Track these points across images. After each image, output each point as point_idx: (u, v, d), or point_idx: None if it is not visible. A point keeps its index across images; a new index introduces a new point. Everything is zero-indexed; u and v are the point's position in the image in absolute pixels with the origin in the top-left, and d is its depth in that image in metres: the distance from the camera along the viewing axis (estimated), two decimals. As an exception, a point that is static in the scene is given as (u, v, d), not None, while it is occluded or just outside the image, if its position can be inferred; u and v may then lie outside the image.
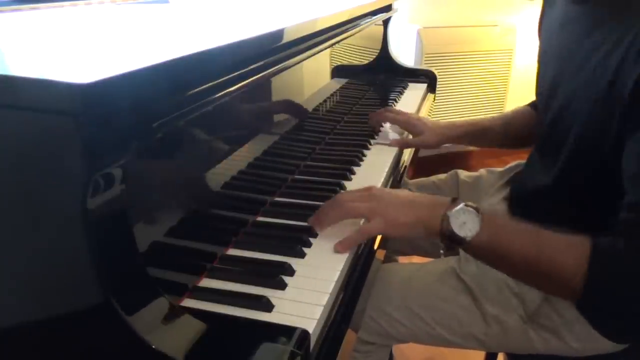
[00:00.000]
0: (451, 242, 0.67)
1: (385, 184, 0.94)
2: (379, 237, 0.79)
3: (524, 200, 0.93)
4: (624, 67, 0.67)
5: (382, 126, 1.19)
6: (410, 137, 1.15)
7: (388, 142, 1.11)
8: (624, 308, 0.65)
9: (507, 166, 1.11)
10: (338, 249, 0.69)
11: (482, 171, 1.16)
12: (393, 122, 1.16)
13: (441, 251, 0.70)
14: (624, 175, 0.67)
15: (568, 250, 0.64)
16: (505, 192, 1.03)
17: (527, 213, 0.90)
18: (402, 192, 0.75)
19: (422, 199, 0.72)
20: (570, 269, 0.63)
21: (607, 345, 0.81)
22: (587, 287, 0.62)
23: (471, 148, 2.80)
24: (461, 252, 0.93)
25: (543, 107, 0.89)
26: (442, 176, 1.20)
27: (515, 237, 0.67)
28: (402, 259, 1.29)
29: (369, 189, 0.74)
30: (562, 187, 0.82)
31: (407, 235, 0.71)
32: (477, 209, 0.67)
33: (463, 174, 1.18)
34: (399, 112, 1.18)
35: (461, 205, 0.67)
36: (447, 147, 2.69)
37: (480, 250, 0.68)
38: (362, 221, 0.74)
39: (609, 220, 0.66)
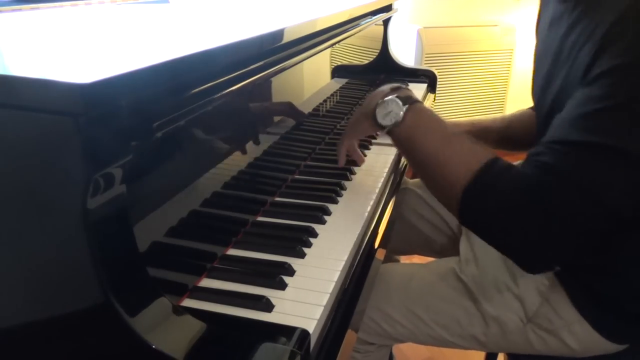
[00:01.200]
0: (376, 127, 0.76)
1: (385, 184, 0.94)
2: (379, 237, 0.79)
3: None
4: (596, 62, 0.66)
5: None
6: None
7: (389, 142, 1.10)
8: (493, 217, 0.64)
9: None
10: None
11: None
12: None
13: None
14: (563, 113, 0.67)
15: (470, 152, 0.67)
16: None
17: None
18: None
19: (372, 94, 0.79)
20: (462, 170, 0.65)
21: (606, 346, 0.81)
22: (468, 188, 0.64)
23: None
24: (461, 252, 0.94)
25: (537, 108, 0.89)
26: None
27: (430, 131, 0.71)
28: (403, 259, 1.29)
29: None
30: None
31: (359, 130, 0.84)
32: (405, 100, 0.72)
33: None
34: None
35: (392, 95, 0.73)
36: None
37: (397, 138, 0.74)
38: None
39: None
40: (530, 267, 0.68)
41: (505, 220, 0.63)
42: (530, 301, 0.82)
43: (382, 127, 0.74)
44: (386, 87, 0.78)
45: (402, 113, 0.71)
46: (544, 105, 0.84)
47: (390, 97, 0.73)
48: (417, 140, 0.71)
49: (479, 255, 0.90)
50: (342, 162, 0.93)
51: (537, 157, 0.64)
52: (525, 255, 0.65)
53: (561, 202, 0.60)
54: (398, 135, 0.73)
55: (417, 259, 1.25)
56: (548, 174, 0.62)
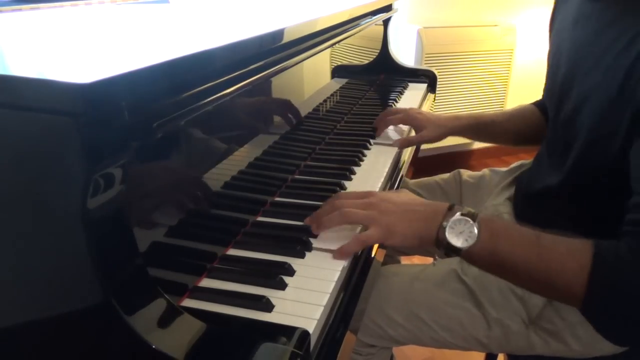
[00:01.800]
0: (448, 252, 0.66)
1: (385, 184, 0.94)
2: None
3: (530, 200, 0.93)
4: (637, 66, 0.66)
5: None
6: (413, 133, 1.14)
7: (390, 142, 1.11)
8: (628, 312, 0.63)
9: (511, 166, 1.11)
10: (336, 257, 0.68)
11: (485, 171, 1.16)
12: (396, 123, 1.16)
13: (436, 257, 0.69)
14: (631, 175, 0.66)
15: (569, 254, 0.63)
16: (509, 192, 1.02)
17: (533, 213, 0.90)
18: (401, 198, 0.73)
19: (419, 207, 0.71)
20: (572, 274, 0.62)
21: (607, 348, 0.80)
22: (590, 292, 0.61)
23: (472, 147, 2.81)
24: None
25: (555, 107, 0.88)
26: (444, 176, 1.20)
27: (514, 243, 0.65)
28: (404, 259, 1.29)
29: (368, 195, 0.73)
30: (570, 187, 0.82)
31: (404, 244, 0.70)
32: (473, 216, 0.65)
33: (466, 173, 1.18)
34: (398, 111, 1.18)
35: (457, 214, 0.66)
36: (448, 147, 2.70)
37: (479, 259, 0.67)
38: (359, 227, 0.74)
39: (616, 221, 0.65)
40: None
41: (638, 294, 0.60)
42: (533, 303, 0.82)
43: (452, 250, 0.65)
44: (431, 209, 0.69)
45: (476, 230, 0.64)
46: (564, 106, 0.83)
47: (454, 217, 0.65)
48: (502, 254, 0.65)
49: None
50: (312, 225, 0.75)
51: (637, 227, 0.61)
52: None
53: None
54: (477, 254, 0.65)
55: (417, 259, 1.25)
56: None
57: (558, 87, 0.86)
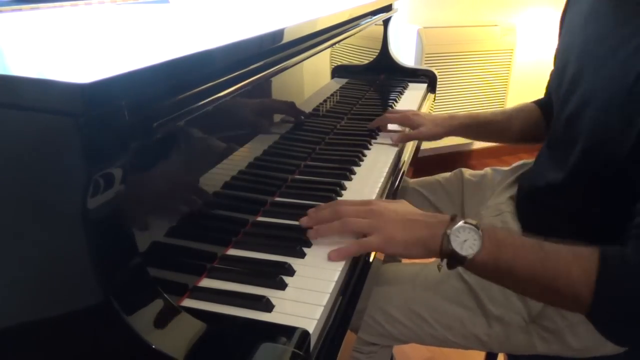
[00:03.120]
0: (452, 261, 0.66)
1: (385, 184, 0.94)
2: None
3: (534, 197, 0.92)
4: None
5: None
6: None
7: (389, 142, 1.11)
8: (635, 317, 0.63)
9: (513, 165, 1.11)
10: (332, 257, 0.67)
11: (488, 170, 1.16)
12: (392, 122, 1.16)
13: (439, 265, 0.68)
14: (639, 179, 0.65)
15: (575, 261, 0.63)
16: (511, 191, 1.02)
17: (535, 211, 0.90)
18: (402, 208, 0.73)
19: (421, 217, 0.70)
20: (578, 281, 0.61)
21: (607, 348, 0.80)
22: (596, 298, 0.61)
23: (471, 147, 2.81)
24: None
25: (561, 103, 0.87)
26: (446, 175, 1.20)
27: (517, 251, 0.65)
28: (404, 260, 1.29)
29: (368, 203, 0.73)
30: (573, 185, 0.81)
31: (405, 253, 0.69)
32: (477, 226, 0.65)
33: (468, 172, 1.18)
34: (395, 112, 1.18)
35: (461, 223, 0.66)
36: (448, 147, 2.70)
37: (483, 268, 0.66)
38: None
39: (618, 221, 0.65)
40: None
41: None
42: (534, 302, 0.82)
43: (456, 258, 0.65)
44: (434, 219, 0.69)
45: (479, 239, 0.64)
46: (570, 102, 0.82)
47: (458, 225, 0.66)
48: (506, 262, 0.65)
49: None
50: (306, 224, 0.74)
51: None
52: None
53: None
54: (482, 263, 0.65)
55: (418, 260, 1.24)
56: None
57: (566, 83, 0.86)
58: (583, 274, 0.61)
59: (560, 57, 0.94)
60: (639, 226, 0.62)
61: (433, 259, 0.99)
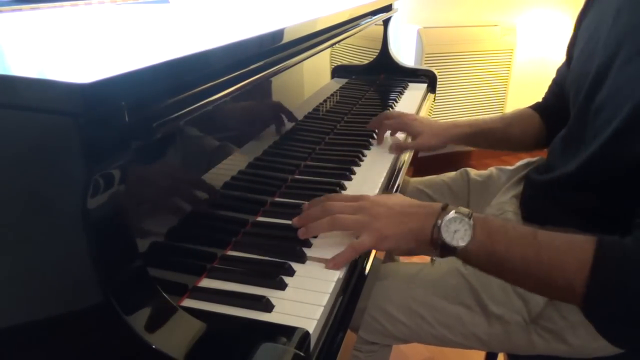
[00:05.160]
0: (444, 252, 0.65)
1: (385, 184, 0.94)
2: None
3: (544, 191, 0.90)
4: None
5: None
6: (410, 139, 1.14)
7: (387, 150, 1.09)
8: (631, 311, 0.61)
9: (517, 164, 1.10)
10: (329, 266, 0.66)
11: (492, 169, 1.16)
12: (389, 129, 1.14)
13: (433, 258, 0.66)
14: None
15: (569, 250, 0.62)
16: (515, 190, 1.02)
17: (544, 206, 0.89)
18: (392, 200, 0.71)
19: (412, 209, 0.69)
20: (572, 271, 0.60)
21: (607, 349, 0.80)
22: (590, 289, 0.59)
23: (470, 148, 2.81)
24: None
25: (584, 96, 0.85)
26: (451, 174, 1.20)
27: (511, 240, 0.64)
28: (403, 259, 1.29)
29: (359, 199, 0.72)
30: (589, 178, 0.80)
31: (398, 248, 0.68)
32: (469, 215, 0.65)
33: (473, 172, 1.17)
34: (392, 116, 1.15)
35: (452, 213, 0.65)
36: (447, 147, 2.69)
37: (476, 258, 0.66)
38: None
39: (622, 217, 0.65)
40: None
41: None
42: (534, 302, 0.82)
43: (447, 249, 0.65)
44: (424, 210, 0.68)
45: (471, 229, 0.64)
46: (597, 94, 0.81)
47: (449, 215, 0.65)
48: (499, 252, 0.64)
49: None
50: (299, 225, 0.73)
51: None
52: None
53: None
54: (474, 253, 0.65)
55: (417, 260, 1.24)
56: None
57: (592, 76, 0.84)
58: (577, 264, 0.60)
59: (582, 51, 0.91)
60: None
61: (430, 260, 1.00)
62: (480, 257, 0.65)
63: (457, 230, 0.64)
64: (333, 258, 0.67)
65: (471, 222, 0.64)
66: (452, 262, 0.91)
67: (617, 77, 0.77)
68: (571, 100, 0.92)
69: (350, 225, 0.69)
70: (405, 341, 0.92)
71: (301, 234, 0.70)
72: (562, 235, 0.63)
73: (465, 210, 0.66)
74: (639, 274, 0.58)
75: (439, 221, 0.65)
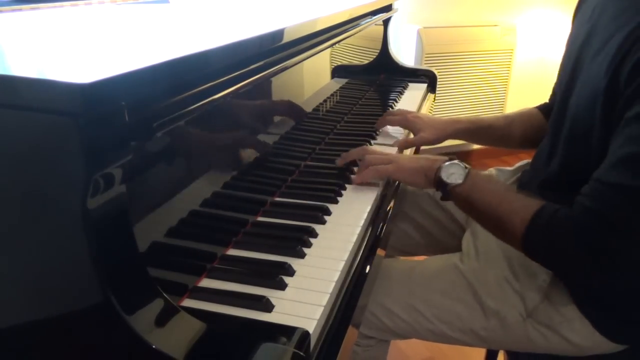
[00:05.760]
0: (439, 187, 0.82)
1: (386, 184, 0.94)
2: (379, 238, 0.79)
3: (533, 193, 0.92)
4: (631, 51, 0.67)
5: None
6: (411, 135, 1.15)
7: (390, 143, 1.11)
8: (555, 264, 0.76)
9: (517, 165, 1.11)
10: (356, 181, 0.89)
11: (492, 170, 1.16)
12: (392, 124, 1.16)
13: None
14: (609, 152, 0.69)
15: (519, 210, 0.74)
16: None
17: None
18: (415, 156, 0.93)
19: (426, 156, 0.89)
20: (513, 227, 0.74)
21: (607, 345, 0.81)
22: (524, 243, 0.73)
23: (470, 148, 2.81)
24: (463, 247, 0.94)
25: (562, 96, 0.88)
26: None
27: (484, 194, 0.79)
28: (402, 258, 1.29)
29: (389, 154, 0.93)
30: (567, 177, 0.83)
31: (411, 179, 0.88)
32: (466, 167, 0.81)
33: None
34: (396, 113, 1.18)
35: (455, 160, 0.82)
36: (447, 147, 2.69)
37: (458, 198, 0.82)
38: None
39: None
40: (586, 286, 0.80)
41: (560, 259, 0.73)
42: (530, 297, 0.83)
43: (441, 184, 0.82)
44: (435, 157, 0.86)
45: (463, 175, 0.80)
46: (572, 93, 0.83)
47: (452, 162, 0.82)
48: (474, 199, 0.80)
49: (481, 250, 0.90)
50: (341, 164, 0.96)
51: (583, 199, 0.69)
52: (579, 282, 0.80)
53: (603, 243, 0.67)
54: (458, 194, 0.81)
55: (416, 259, 1.24)
56: (591, 217, 0.68)
57: (567, 74, 0.86)
58: (519, 222, 0.73)
59: (567, 49, 0.94)
60: (585, 194, 0.69)
61: (425, 257, 1.00)
62: (460, 198, 0.82)
63: (453, 173, 0.81)
64: (356, 175, 0.90)
65: (466, 170, 0.81)
66: (449, 258, 0.92)
67: (584, 76, 0.80)
68: (556, 100, 0.93)
69: (386, 170, 0.89)
70: (404, 337, 0.93)
71: (356, 180, 0.90)
72: (523, 197, 0.77)
73: (465, 164, 0.82)
74: (561, 237, 0.70)
75: (443, 164, 0.83)
